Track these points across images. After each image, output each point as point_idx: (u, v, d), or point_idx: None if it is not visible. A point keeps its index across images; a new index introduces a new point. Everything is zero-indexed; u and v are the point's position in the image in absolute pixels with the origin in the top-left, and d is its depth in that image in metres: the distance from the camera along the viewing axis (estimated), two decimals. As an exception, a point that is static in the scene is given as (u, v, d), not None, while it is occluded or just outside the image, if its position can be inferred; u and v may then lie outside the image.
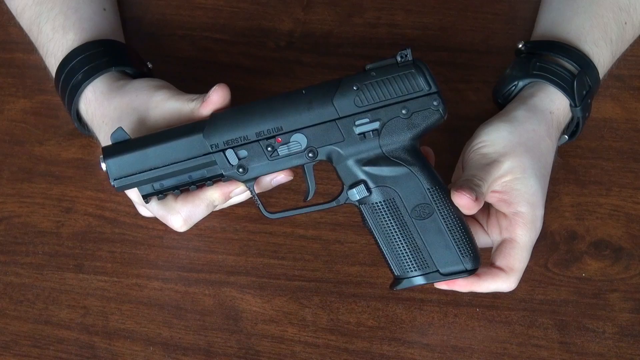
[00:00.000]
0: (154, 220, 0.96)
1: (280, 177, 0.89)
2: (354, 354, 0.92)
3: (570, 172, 1.00)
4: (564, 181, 0.99)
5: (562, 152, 1.00)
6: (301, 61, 1.08)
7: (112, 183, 0.86)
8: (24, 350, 0.92)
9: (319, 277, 0.95)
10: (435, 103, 0.87)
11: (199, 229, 0.96)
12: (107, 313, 0.94)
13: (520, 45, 0.98)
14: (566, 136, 0.98)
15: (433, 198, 0.87)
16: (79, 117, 0.97)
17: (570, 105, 0.94)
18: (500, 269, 0.89)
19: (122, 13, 1.07)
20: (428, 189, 0.87)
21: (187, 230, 0.92)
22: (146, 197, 0.87)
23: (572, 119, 0.96)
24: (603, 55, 0.98)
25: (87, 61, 0.95)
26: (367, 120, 0.87)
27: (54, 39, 0.98)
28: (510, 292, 0.93)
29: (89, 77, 0.94)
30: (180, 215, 0.89)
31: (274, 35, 1.09)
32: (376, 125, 0.87)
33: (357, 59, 1.07)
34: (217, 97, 0.88)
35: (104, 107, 0.93)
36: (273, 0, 1.12)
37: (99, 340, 0.92)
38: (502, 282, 0.89)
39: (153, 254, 0.96)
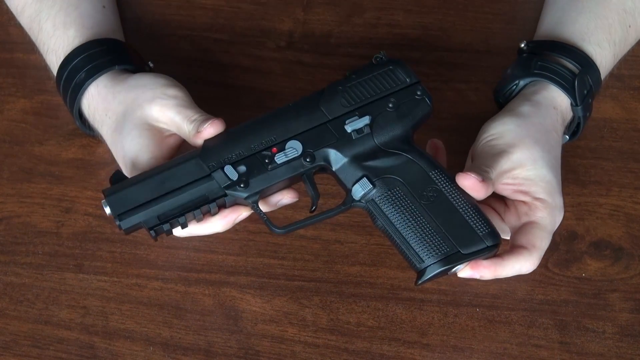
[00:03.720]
0: (154, 220, 0.96)
1: (286, 200, 0.89)
2: (354, 354, 0.92)
3: (570, 172, 1.00)
4: (564, 181, 0.99)
5: (562, 152, 1.00)
6: (301, 61, 1.08)
7: (118, 223, 0.85)
8: (24, 350, 0.92)
9: (319, 277, 0.95)
10: (418, 92, 0.89)
11: (199, 229, 0.97)
12: (107, 313, 0.94)
13: (522, 45, 0.98)
14: (567, 136, 0.98)
15: (437, 180, 0.87)
16: (80, 116, 0.97)
17: (571, 104, 0.94)
18: (521, 246, 0.87)
19: (122, 13, 1.07)
20: (431, 172, 0.87)
21: (187, 230, 0.93)
22: (152, 229, 0.86)
23: (572, 118, 0.96)
24: (605, 57, 0.97)
25: (89, 60, 0.95)
26: (356, 117, 0.88)
27: (55, 35, 0.98)
28: (510, 292, 0.93)
29: (92, 75, 0.94)
30: (182, 234, 0.90)
31: (274, 35, 1.09)
32: (366, 120, 0.88)
33: (357, 59, 1.07)
34: (207, 134, 0.88)
35: (108, 101, 0.93)
36: (273, 0, 1.12)
37: (99, 340, 0.92)
38: (524, 261, 0.86)
39: (153, 254, 0.96)
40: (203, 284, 0.95)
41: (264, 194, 0.88)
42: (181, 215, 0.86)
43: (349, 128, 0.88)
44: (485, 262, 0.86)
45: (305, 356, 0.92)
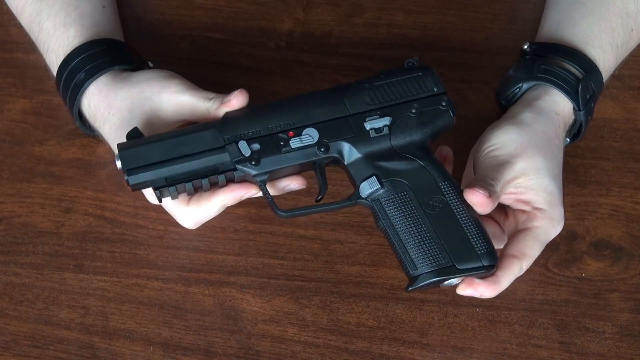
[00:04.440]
0: (154, 220, 0.96)
1: (294, 185, 0.90)
2: (354, 354, 0.92)
3: (570, 172, 1.00)
4: (564, 181, 0.99)
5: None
6: (301, 61, 1.08)
7: (126, 178, 0.86)
8: (24, 350, 0.92)
9: (319, 277, 0.95)
10: (443, 103, 0.89)
11: (199, 228, 0.96)
12: (107, 313, 0.94)
13: (525, 47, 0.98)
14: (567, 139, 0.98)
15: (445, 191, 0.87)
16: (80, 116, 0.97)
17: (574, 108, 0.94)
18: (512, 256, 0.87)
19: (122, 13, 1.07)
20: (441, 182, 0.87)
21: (187, 230, 0.92)
22: (158, 189, 0.87)
23: (574, 121, 0.96)
24: (608, 61, 0.97)
25: (89, 60, 0.95)
26: (377, 116, 0.88)
27: (55, 35, 0.98)
28: (510, 292, 0.93)
29: (91, 75, 0.94)
30: (192, 218, 0.90)
31: (274, 35, 1.09)
32: (386, 121, 0.88)
33: (357, 59, 1.07)
34: (237, 103, 0.89)
35: (110, 97, 0.93)
36: (273, 0, 1.12)
37: (99, 340, 0.92)
38: (515, 270, 0.87)
39: (153, 254, 0.96)
40: (203, 284, 0.95)
41: (273, 176, 0.89)
42: (188, 181, 0.87)
43: (368, 125, 0.88)
44: (484, 282, 0.86)
45: (305, 356, 0.92)
